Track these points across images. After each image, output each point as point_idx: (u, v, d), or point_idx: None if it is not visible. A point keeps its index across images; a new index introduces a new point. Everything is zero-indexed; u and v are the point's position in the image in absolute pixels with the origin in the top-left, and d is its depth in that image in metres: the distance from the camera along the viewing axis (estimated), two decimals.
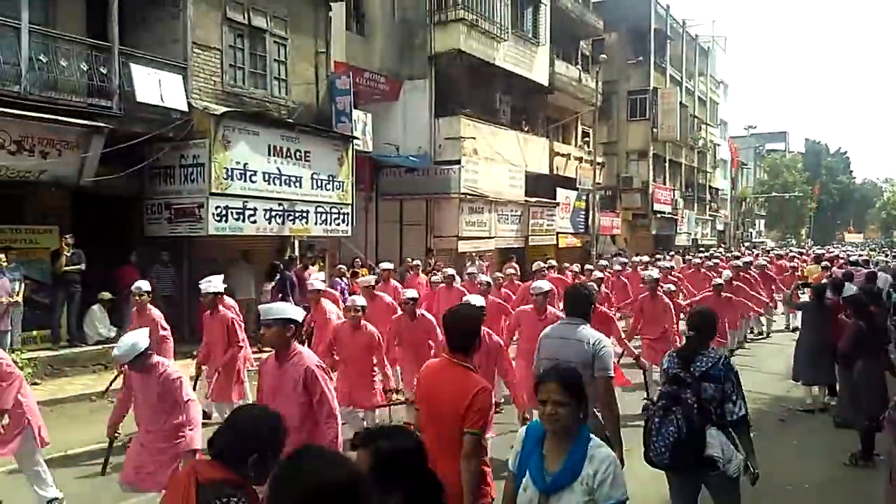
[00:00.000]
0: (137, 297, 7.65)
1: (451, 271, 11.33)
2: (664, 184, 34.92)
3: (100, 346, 10.88)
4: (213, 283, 7.43)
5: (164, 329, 7.74)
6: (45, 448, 5.57)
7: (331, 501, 1.72)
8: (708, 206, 43.29)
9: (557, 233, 24.23)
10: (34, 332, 10.62)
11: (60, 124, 10.03)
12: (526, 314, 7.20)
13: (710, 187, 44.20)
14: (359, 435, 2.34)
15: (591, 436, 2.90)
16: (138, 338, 4.63)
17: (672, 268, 14.70)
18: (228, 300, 7.89)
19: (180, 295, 12.50)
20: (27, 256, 10.75)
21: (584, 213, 26.39)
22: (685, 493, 4.25)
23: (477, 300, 6.35)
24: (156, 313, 7.72)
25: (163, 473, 4.72)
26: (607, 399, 4.27)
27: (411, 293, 7.77)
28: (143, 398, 4.84)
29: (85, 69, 10.59)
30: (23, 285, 9.94)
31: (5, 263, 9.49)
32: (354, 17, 18.13)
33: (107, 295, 11.36)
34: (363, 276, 11.79)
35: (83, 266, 10.76)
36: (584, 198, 26.39)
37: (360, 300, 7.04)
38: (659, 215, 33.76)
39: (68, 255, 10.66)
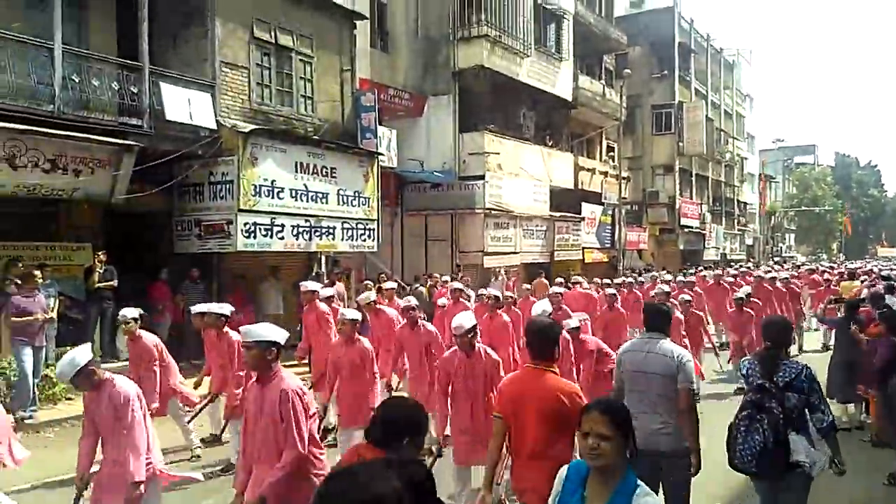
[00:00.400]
0: (124, 326, 7.28)
1: (458, 285, 11.28)
2: (691, 198, 34.62)
3: None
4: (221, 305, 7.37)
5: (161, 360, 7.24)
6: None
7: None
8: (736, 221, 42.82)
9: (583, 248, 24.12)
10: (68, 348, 10.68)
11: (93, 143, 10.21)
12: None
13: (739, 201, 43.75)
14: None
15: (640, 483, 2.63)
16: (77, 353, 4.28)
17: (692, 282, 14.45)
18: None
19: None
20: (61, 273, 10.91)
21: (609, 227, 26.25)
22: (774, 495, 4.39)
23: (465, 318, 5.45)
24: (150, 340, 7.30)
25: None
26: (689, 409, 4.48)
27: (411, 301, 7.87)
28: (99, 421, 4.38)
29: (116, 88, 10.79)
30: (57, 301, 10.06)
31: (41, 280, 9.62)
32: (378, 34, 18.33)
33: (139, 311, 11.48)
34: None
35: (115, 282, 10.91)
36: (609, 212, 26.28)
37: (352, 313, 6.60)
38: (686, 230, 33.45)
39: (101, 271, 10.82)
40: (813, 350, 14.71)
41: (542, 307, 6.64)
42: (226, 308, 7.34)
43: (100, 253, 10.96)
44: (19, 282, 9.34)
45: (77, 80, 10.32)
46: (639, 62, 30.94)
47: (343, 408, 6.48)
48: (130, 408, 4.23)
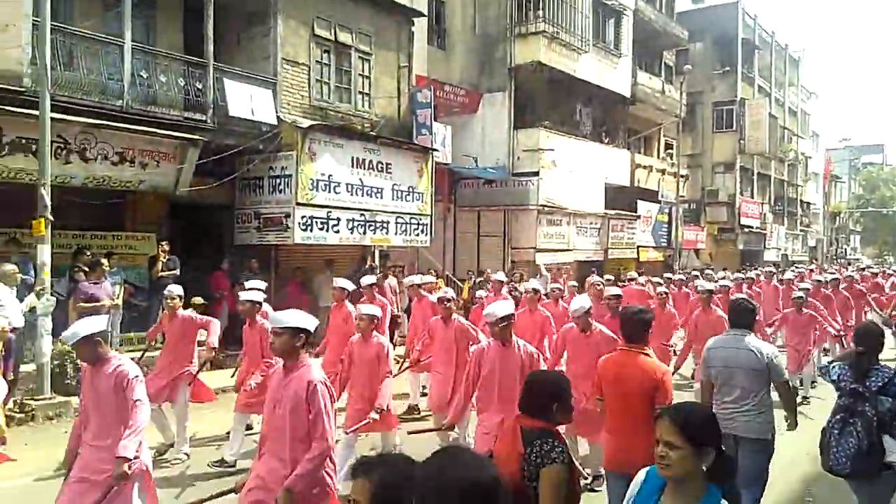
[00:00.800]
0: (169, 301, 7.28)
1: (499, 276, 11.19)
2: (752, 197, 33.75)
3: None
4: (253, 293, 7.28)
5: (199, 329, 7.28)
6: None
7: (475, 501, 1.74)
8: (799, 221, 41.54)
9: (638, 246, 23.81)
10: (132, 334, 11.18)
11: (159, 137, 10.61)
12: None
13: (802, 201, 42.41)
14: (358, 461, 2.14)
15: (724, 503, 2.40)
16: (91, 321, 4.29)
17: (751, 279, 14.02)
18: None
19: (268, 301, 12.92)
20: (127, 262, 11.39)
21: (666, 226, 25.83)
22: (873, 493, 4.52)
23: (498, 306, 5.33)
24: (193, 318, 7.34)
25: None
26: (791, 398, 5.06)
27: (447, 292, 7.80)
28: (91, 400, 4.29)
29: (182, 84, 11.17)
30: (122, 289, 10.51)
31: (107, 268, 10.06)
32: (436, 31, 18.45)
33: (199, 300, 11.84)
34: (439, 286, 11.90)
35: (178, 272, 11.30)
36: (666, 211, 25.85)
37: (369, 309, 6.42)
38: (746, 230, 32.65)
39: (164, 261, 11.23)
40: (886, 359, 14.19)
41: (580, 302, 6.54)
42: (258, 295, 7.32)
43: (163, 243, 11.38)
44: (87, 270, 9.80)
45: (145, 77, 10.72)
46: (700, 58, 30.28)
47: (349, 410, 6.17)
48: (135, 388, 4.18)
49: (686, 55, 28.58)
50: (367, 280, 9.60)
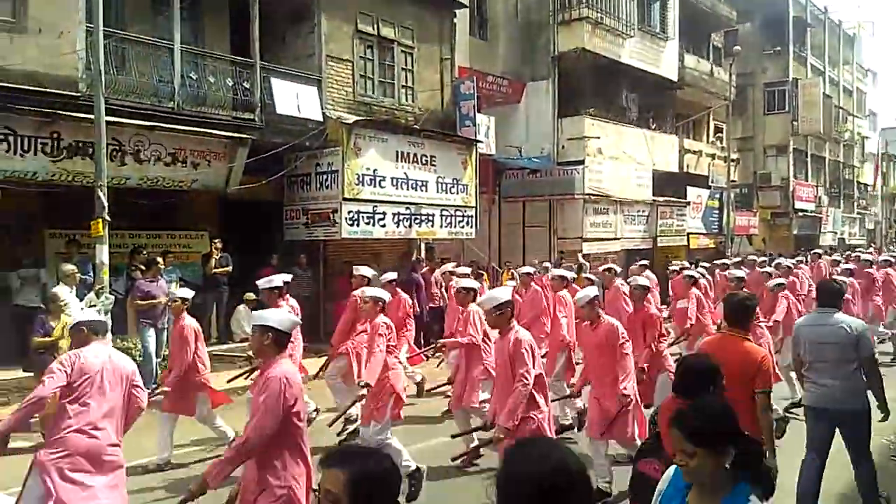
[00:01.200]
0: (172, 303, 7.21)
1: (527, 269, 10.89)
2: (806, 180, 32.75)
3: (245, 343, 11.60)
4: (274, 280, 7.22)
5: (196, 348, 6.90)
6: None
7: (561, 488, 1.74)
8: (856, 204, 40.17)
9: (688, 233, 23.34)
10: None
11: (209, 137, 10.85)
12: (581, 327, 6.69)
13: (859, 183, 40.99)
14: (332, 451, 2.05)
15: (752, 497, 2.33)
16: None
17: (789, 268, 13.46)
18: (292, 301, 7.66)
19: (317, 296, 13.14)
20: (181, 260, 11.71)
21: (717, 212, 25.26)
22: None
23: (501, 292, 5.38)
24: (189, 325, 6.92)
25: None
26: (875, 370, 5.11)
27: (460, 283, 7.95)
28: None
29: (230, 84, 11.37)
30: (178, 286, 10.79)
31: (163, 266, 10.34)
32: (478, 22, 18.36)
33: (251, 296, 12.11)
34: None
35: (230, 268, 11.58)
36: (717, 196, 25.28)
37: (373, 291, 6.45)
38: (801, 214, 31.71)
39: (217, 258, 11.52)
40: None
41: (584, 292, 6.27)
42: (276, 280, 7.27)
43: (216, 241, 11.65)
44: (144, 268, 10.10)
45: (194, 78, 10.95)
46: (750, 39, 29.41)
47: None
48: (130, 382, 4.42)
49: (735, 36, 27.79)
50: (386, 276, 9.60)
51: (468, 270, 11.64)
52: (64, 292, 8.35)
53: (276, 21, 12.69)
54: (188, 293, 7.27)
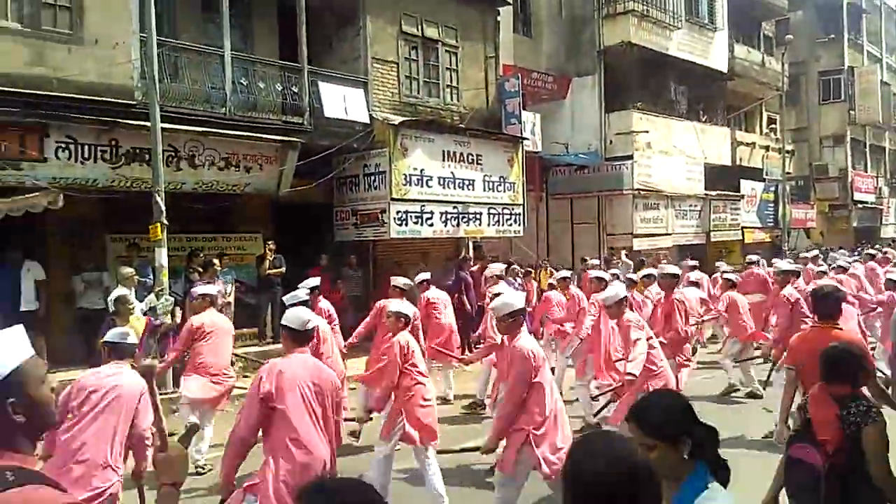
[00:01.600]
0: (193, 301, 7.32)
1: (563, 274, 10.65)
2: (865, 171, 31.70)
3: None
4: (298, 294, 6.95)
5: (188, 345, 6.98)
6: None
7: (628, 483, 1.72)
8: None
9: (743, 227, 22.85)
10: (243, 330, 11.72)
11: (261, 141, 11.07)
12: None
13: None
14: (303, 487, 1.72)
15: (712, 486, 2.26)
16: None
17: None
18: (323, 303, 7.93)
19: (366, 295, 13.27)
20: (236, 262, 11.97)
21: (772, 205, 24.64)
22: None
23: (516, 298, 5.17)
24: (191, 322, 7.04)
25: None
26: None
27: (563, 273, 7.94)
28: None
29: (280, 89, 11.58)
30: (234, 287, 11.05)
31: (219, 268, 10.59)
32: (521, 18, 18.32)
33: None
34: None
35: (284, 269, 11.78)
36: (772, 189, 24.67)
37: (397, 305, 6.21)
38: (860, 206, 30.71)
39: (271, 259, 11.73)
40: None
41: (613, 290, 6.29)
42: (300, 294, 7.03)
43: (270, 242, 11.88)
44: (201, 270, 10.35)
45: (245, 84, 11.18)
46: (802, 27, 28.65)
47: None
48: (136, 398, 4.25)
49: (787, 24, 27.11)
50: (420, 277, 9.63)
51: (502, 268, 11.31)
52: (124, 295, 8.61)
53: (322, 25, 12.88)
54: (212, 289, 7.52)
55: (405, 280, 8.60)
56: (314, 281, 8.05)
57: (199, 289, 7.50)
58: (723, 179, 22.03)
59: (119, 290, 8.69)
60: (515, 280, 13.39)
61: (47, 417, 1.84)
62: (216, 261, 10.54)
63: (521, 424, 4.55)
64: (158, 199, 9.20)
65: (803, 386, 4.74)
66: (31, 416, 1.74)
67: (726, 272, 11.66)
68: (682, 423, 2.33)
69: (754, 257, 13.28)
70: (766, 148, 25.54)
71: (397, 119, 12.82)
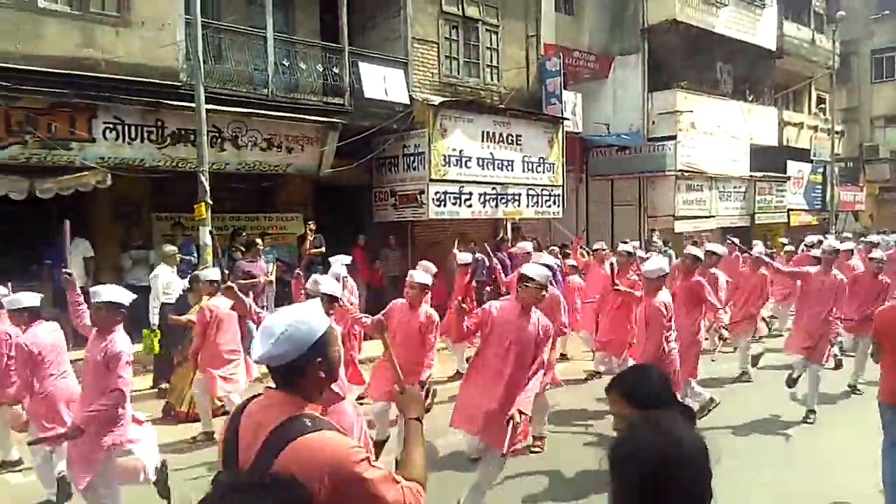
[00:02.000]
0: (198, 284, 7.36)
1: (599, 245, 10.84)
2: None
3: None
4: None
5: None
6: None
7: (674, 463, 1.67)
8: None
9: (788, 210, 22.32)
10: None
11: (302, 122, 11.17)
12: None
13: None
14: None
15: None
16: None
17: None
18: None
19: (405, 275, 13.31)
20: (278, 241, 12.15)
21: (820, 187, 24.01)
22: None
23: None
24: (203, 308, 7.05)
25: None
26: None
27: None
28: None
29: (321, 70, 11.65)
30: (275, 266, 11.22)
31: (261, 247, 10.77)
32: None
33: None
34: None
35: (324, 249, 11.92)
36: (820, 170, 24.02)
37: (421, 276, 6.20)
38: None
39: (311, 239, 11.89)
40: None
41: (657, 263, 6.34)
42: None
43: (310, 222, 12.03)
44: (244, 249, 10.54)
45: (287, 65, 11.28)
46: (855, 3, 27.63)
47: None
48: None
49: (838, 1, 26.18)
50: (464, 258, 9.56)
51: (531, 246, 11.17)
52: (165, 272, 8.83)
53: (363, 5, 12.87)
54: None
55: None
56: (346, 258, 8.29)
57: (208, 272, 7.37)
58: (769, 160, 21.50)
59: (161, 267, 8.94)
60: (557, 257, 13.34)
61: (335, 375, 2.13)
62: (258, 240, 10.70)
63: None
64: (203, 178, 9.38)
65: (884, 355, 5.09)
66: (328, 372, 2.04)
67: (761, 253, 11.18)
68: (668, 397, 2.33)
69: (814, 238, 12.99)
70: (815, 128, 24.86)
71: (437, 99, 12.81)
